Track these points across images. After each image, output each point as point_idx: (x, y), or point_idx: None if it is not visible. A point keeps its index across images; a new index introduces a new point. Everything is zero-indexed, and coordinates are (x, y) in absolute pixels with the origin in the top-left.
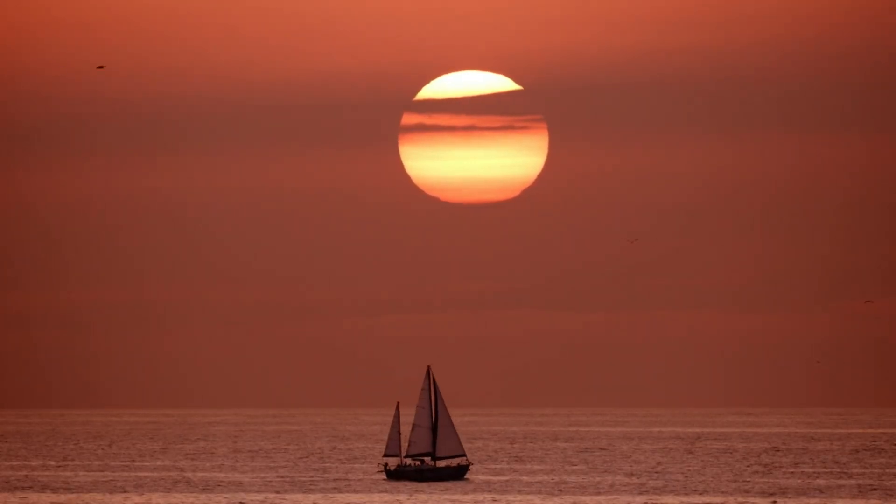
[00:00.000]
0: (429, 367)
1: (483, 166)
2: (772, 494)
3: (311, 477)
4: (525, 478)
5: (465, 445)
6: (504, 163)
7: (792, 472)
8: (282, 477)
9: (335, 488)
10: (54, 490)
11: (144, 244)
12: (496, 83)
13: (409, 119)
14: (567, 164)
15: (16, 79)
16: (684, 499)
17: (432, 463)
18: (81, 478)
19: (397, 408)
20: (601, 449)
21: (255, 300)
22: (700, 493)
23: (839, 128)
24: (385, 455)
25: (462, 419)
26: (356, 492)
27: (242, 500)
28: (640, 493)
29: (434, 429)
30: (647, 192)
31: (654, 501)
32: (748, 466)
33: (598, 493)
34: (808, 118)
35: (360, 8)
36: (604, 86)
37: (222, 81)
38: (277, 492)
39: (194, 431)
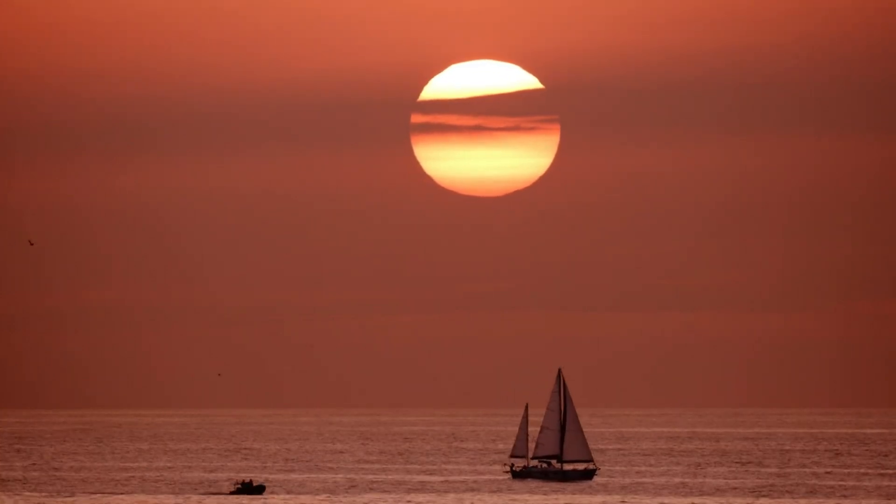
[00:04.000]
0: (559, 369)
1: (491, 166)
2: None
3: (438, 476)
4: (651, 479)
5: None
6: (514, 163)
7: None
8: (407, 476)
9: (461, 488)
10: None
11: (161, 246)
12: (514, 79)
13: (416, 118)
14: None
15: None
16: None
17: (559, 465)
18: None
19: (526, 409)
20: (742, 451)
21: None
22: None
23: (859, 129)
24: (512, 456)
25: (585, 419)
26: (482, 491)
27: (373, 500)
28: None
29: (562, 432)
30: (667, 193)
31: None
32: None
33: (741, 496)
34: (829, 120)
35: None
36: (619, 86)
37: (221, 83)
38: (406, 490)
39: (325, 430)
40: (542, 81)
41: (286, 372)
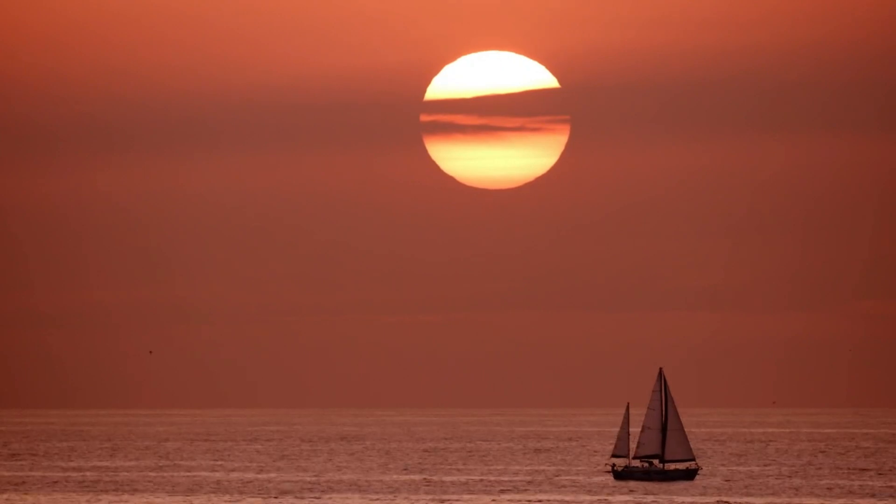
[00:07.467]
0: (660, 368)
1: (498, 165)
2: None
3: (537, 477)
4: (754, 480)
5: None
6: (516, 162)
7: None
8: (505, 476)
9: (562, 488)
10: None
11: (175, 243)
12: (530, 77)
13: (426, 118)
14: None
15: None
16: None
17: (661, 465)
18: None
19: (627, 409)
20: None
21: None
22: None
23: (878, 130)
24: (613, 455)
25: (687, 419)
26: (585, 492)
27: (466, 499)
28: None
29: (664, 431)
30: (676, 194)
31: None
32: None
33: (838, 497)
34: (846, 120)
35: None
36: (630, 86)
37: (221, 84)
38: (501, 490)
39: (451, 432)
40: (559, 81)
41: (297, 372)
